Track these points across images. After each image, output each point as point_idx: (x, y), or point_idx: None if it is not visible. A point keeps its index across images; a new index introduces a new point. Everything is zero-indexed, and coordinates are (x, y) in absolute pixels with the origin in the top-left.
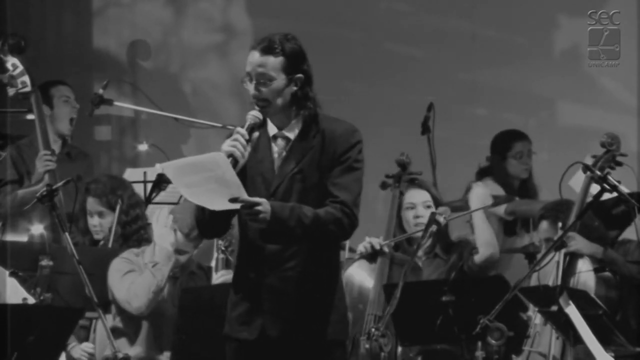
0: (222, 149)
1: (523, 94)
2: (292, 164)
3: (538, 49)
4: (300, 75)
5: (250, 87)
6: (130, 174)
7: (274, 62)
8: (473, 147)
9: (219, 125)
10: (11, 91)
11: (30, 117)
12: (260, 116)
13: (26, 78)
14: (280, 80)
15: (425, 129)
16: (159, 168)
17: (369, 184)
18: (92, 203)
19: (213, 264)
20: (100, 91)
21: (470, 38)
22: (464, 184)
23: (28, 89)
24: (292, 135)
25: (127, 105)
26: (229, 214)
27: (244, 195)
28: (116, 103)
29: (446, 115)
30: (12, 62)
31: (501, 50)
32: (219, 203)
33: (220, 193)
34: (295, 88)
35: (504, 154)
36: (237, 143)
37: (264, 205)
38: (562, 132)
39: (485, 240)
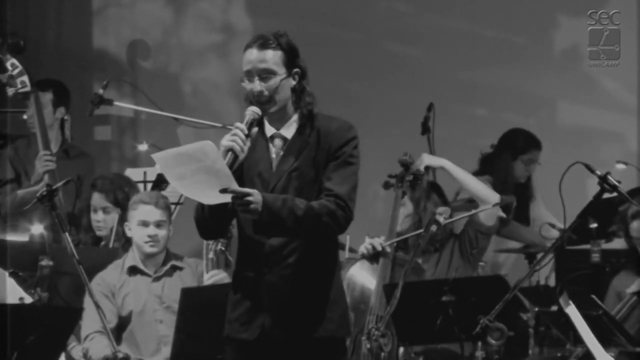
0: (221, 144)
1: (523, 94)
2: (289, 162)
3: (538, 49)
4: (297, 69)
5: (254, 85)
6: (130, 174)
7: (274, 56)
8: (473, 147)
9: (219, 125)
10: (10, 91)
11: (25, 116)
12: (260, 112)
13: (25, 78)
14: (281, 74)
15: (425, 129)
16: (159, 167)
17: (370, 184)
18: (97, 198)
19: (204, 264)
20: (100, 91)
21: (471, 36)
22: None
23: (27, 88)
24: (288, 134)
25: (127, 105)
26: (228, 214)
27: (234, 186)
28: (116, 103)
29: (446, 115)
30: (11, 62)
31: (501, 50)
32: (210, 195)
33: (210, 184)
34: (294, 82)
35: (516, 155)
36: (236, 138)
37: (255, 195)
38: (562, 132)
39: (485, 195)
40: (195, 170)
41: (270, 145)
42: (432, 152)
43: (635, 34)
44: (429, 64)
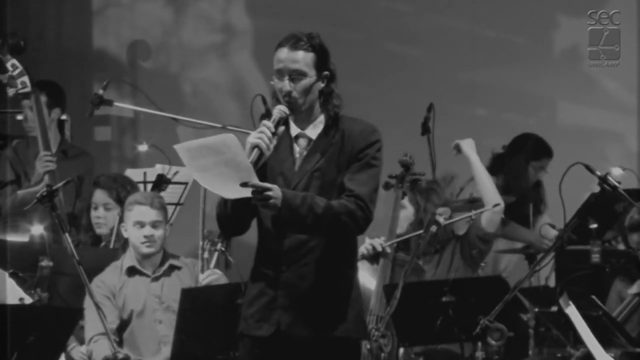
0: (247, 140)
1: (523, 94)
2: (312, 162)
3: (538, 49)
4: (327, 72)
5: (283, 84)
6: (130, 175)
7: (305, 57)
8: None
9: (219, 125)
10: (11, 92)
11: (19, 117)
12: (287, 111)
13: (26, 78)
14: (311, 76)
15: (425, 129)
16: (159, 168)
17: None
18: (99, 195)
19: (199, 264)
20: (100, 91)
21: (471, 36)
22: (464, 184)
23: (28, 89)
24: (313, 135)
25: (127, 105)
26: (250, 211)
27: (255, 180)
28: (116, 103)
29: (446, 115)
30: (12, 63)
31: (501, 50)
32: (230, 189)
33: (231, 177)
34: (322, 85)
35: (529, 160)
36: (263, 135)
37: (275, 191)
38: (562, 132)
39: (491, 198)
40: (217, 162)
41: (295, 144)
42: (432, 152)
43: (635, 34)
44: (429, 64)
